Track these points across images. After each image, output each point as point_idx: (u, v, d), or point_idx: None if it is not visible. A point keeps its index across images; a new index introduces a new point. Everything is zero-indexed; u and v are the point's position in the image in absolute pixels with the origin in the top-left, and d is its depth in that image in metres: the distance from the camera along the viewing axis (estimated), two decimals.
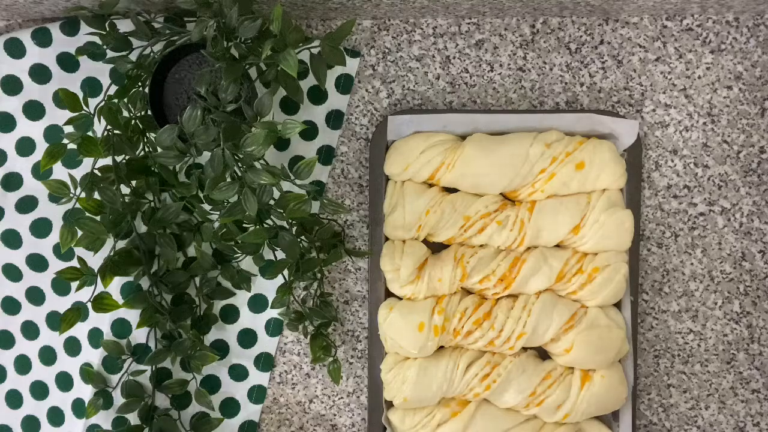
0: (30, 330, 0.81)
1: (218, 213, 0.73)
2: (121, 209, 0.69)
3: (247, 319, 0.80)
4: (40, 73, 0.78)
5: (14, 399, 0.81)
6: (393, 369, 0.74)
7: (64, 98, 0.67)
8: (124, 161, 0.71)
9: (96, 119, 0.68)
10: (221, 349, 0.80)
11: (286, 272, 0.74)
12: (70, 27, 0.76)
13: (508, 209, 0.73)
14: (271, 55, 0.64)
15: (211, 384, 0.80)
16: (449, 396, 0.74)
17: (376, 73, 0.79)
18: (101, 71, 0.77)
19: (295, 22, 0.75)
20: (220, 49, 0.63)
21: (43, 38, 0.77)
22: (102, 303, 0.72)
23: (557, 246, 0.75)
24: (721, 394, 0.79)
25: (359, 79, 0.79)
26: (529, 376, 0.73)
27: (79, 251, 0.74)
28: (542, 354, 0.76)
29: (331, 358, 0.76)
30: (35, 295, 0.80)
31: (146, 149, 0.72)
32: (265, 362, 0.80)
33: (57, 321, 0.79)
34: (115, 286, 0.76)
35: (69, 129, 0.68)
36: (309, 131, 0.78)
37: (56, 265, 0.79)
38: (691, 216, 0.78)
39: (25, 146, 0.79)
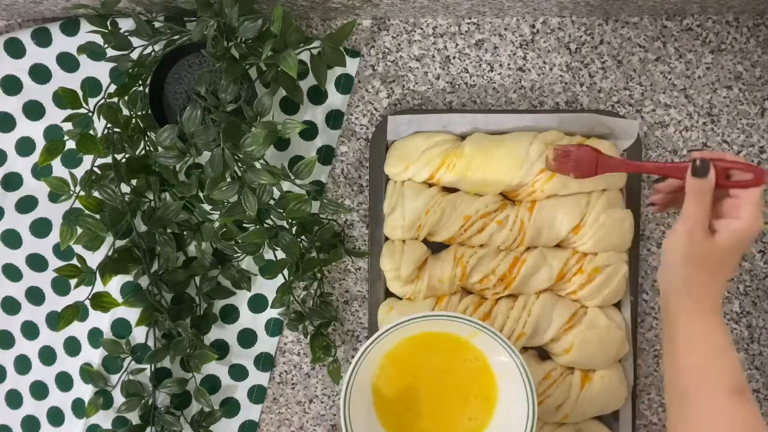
0: (30, 330, 0.81)
1: (218, 213, 0.73)
2: (120, 208, 0.69)
3: (247, 318, 0.80)
4: (40, 73, 0.78)
5: (14, 399, 0.81)
6: None
7: (63, 96, 0.67)
8: (124, 160, 0.71)
9: (96, 118, 0.68)
10: (221, 348, 0.80)
11: (286, 272, 0.74)
12: (70, 27, 0.76)
13: (508, 209, 0.73)
14: (271, 55, 0.64)
15: (211, 384, 0.80)
16: None
17: (376, 73, 0.79)
18: (101, 71, 0.77)
19: (296, 23, 0.75)
20: (220, 49, 0.63)
21: (43, 38, 0.77)
22: (101, 301, 0.72)
23: (557, 246, 0.75)
24: None
25: (359, 79, 0.79)
26: None
27: (79, 251, 0.74)
28: (542, 354, 0.76)
29: (331, 358, 0.76)
30: (35, 295, 0.80)
31: (146, 148, 0.72)
32: (265, 362, 0.80)
33: (57, 321, 0.79)
34: (114, 286, 0.76)
35: (68, 126, 0.68)
36: (309, 131, 0.78)
37: (56, 265, 0.78)
38: None
39: (25, 146, 0.79)
